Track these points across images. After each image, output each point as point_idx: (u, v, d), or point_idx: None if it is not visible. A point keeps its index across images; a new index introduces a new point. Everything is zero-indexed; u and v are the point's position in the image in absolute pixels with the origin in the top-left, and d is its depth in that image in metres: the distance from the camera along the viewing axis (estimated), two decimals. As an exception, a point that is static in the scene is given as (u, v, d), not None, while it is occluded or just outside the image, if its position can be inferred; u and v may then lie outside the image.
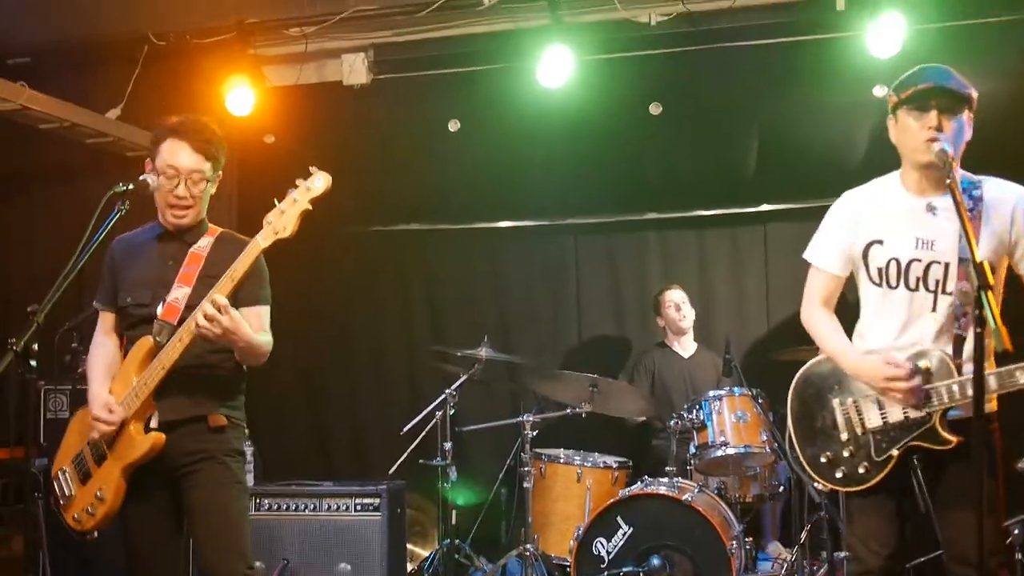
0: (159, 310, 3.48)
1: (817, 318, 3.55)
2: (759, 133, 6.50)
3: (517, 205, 7.17)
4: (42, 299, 3.25)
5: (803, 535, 5.16)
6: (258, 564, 4.82)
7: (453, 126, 6.47)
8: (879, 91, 5.77)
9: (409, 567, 5.95)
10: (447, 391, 5.69)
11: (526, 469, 5.58)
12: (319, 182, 3.35)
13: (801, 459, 3.52)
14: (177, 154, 3.49)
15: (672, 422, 5.55)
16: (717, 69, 6.09)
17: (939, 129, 3.20)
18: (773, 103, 6.27)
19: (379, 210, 7.21)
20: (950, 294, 3.26)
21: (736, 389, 5.51)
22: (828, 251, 3.53)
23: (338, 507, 5.20)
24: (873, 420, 3.38)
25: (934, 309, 3.31)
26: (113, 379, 3.54)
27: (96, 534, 3.55)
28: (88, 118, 6.06)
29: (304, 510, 5.21)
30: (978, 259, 2.81)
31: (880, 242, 3.39)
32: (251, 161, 6.55)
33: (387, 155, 6.74)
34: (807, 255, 3.59)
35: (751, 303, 6.87)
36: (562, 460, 5.75)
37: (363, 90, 6.29)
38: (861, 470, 3.38)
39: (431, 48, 6.16)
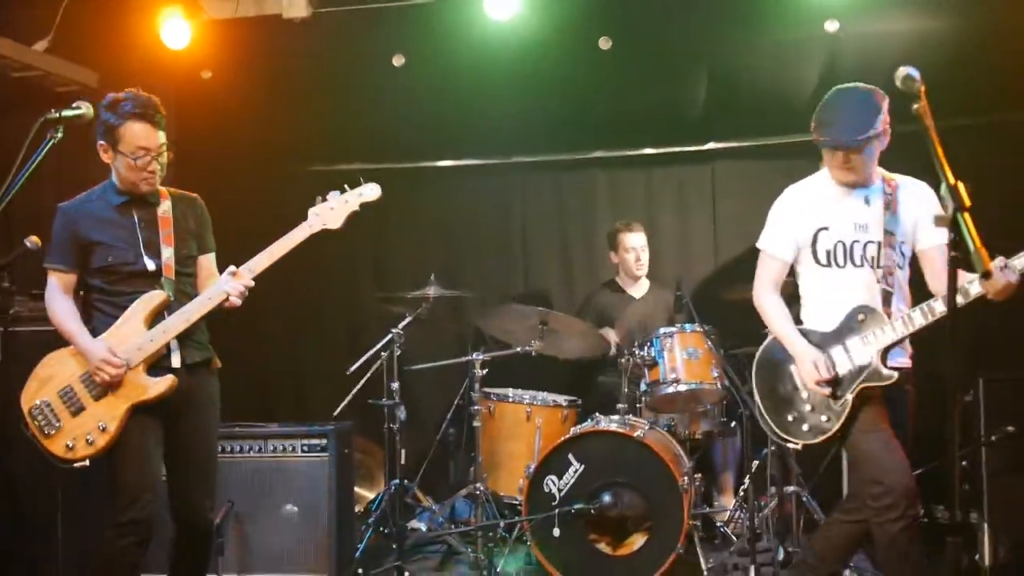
0: (150, 266, 3.83)
1: (771, 303, 3.99)
2: (708, 69, 6.41)
3: (462, 143, 7.02)
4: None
5: (753, 467, 5.21)
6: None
7: (397, 61, 6.28)
8: (831, 26, 5.76)
9: (356, 510, 5.87)
10: (394, 331, 5.60)
11: (475, 408, 5.52)
12: (372, 191, 3.94)
13: (772, 426, 3.96)
14: (145, 136, 3.74)
15: (623, 359, 5.42)
16: (667, 3, 6.01)
17: (847, 162, 3.73)
18: (722, 38, 6.15)
19: (319, 149, 7.00)
20: (881, 267, 3.80)
21: (687, 325, 5.47)
22: (781, 240, 3.95)
23: (284, 448, 5.08)
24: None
25: (873, 278, 3.83)
26: (116, 326, 3.79)
27: (88, 462, 3.74)
28: (12, 49, 5.80)
29: (249, 451, 5.09)
30: (951, 181, 2.78)
31: (826, 228, 3.85)
32: (188, 98, 6.33)
33: (328, 92, 6.55)
34: (760, 244, 4.02)
35: (698, 242, 6.82)
36: (511, 399, 5.71)
37: (304, 23, 6.12)
38: (824, 419, 3.82)
39: (374, -21, 5.99)
